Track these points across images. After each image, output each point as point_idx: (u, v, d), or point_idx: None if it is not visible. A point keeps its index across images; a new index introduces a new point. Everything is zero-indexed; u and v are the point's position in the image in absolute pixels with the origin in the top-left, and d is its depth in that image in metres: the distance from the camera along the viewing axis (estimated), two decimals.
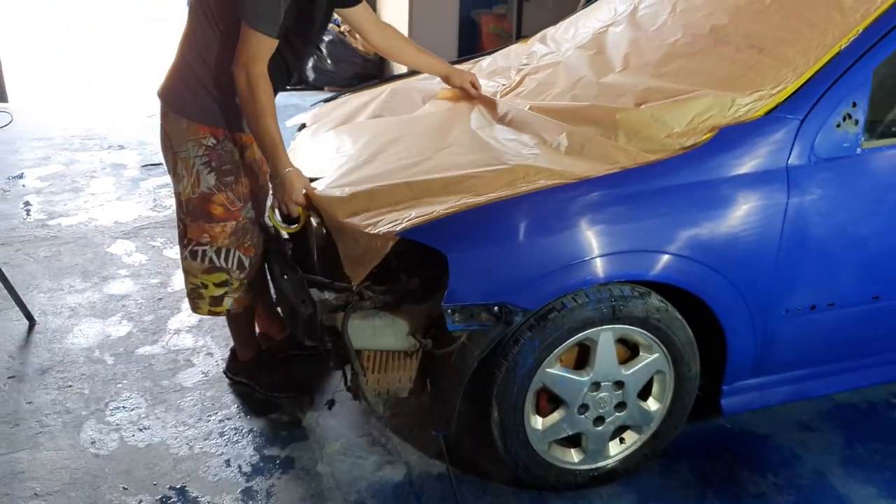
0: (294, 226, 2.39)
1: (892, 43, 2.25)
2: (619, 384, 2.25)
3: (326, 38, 6.85)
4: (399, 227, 2.06)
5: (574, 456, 2.33)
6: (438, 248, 2.03)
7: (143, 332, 3.13)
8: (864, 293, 2.36)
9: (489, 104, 2.73)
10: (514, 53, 3.23)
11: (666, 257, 2.13)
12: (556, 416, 2.25)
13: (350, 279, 2.14)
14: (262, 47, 2.22)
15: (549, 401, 2.25)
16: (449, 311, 2.04)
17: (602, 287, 2.14)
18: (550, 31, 3.30)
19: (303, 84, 7.10)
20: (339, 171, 2.48)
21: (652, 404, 2.33)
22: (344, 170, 2.47)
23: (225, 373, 2.84)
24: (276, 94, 2.42)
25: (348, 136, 2.79)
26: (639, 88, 2.47)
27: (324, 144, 2.79)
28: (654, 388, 2.33)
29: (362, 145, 2.64)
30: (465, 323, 2.07)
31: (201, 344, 3.05)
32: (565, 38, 3.14)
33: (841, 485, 2.41)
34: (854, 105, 2.23)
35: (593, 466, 2.35)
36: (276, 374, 2.79)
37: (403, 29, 6.76)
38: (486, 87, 2.94)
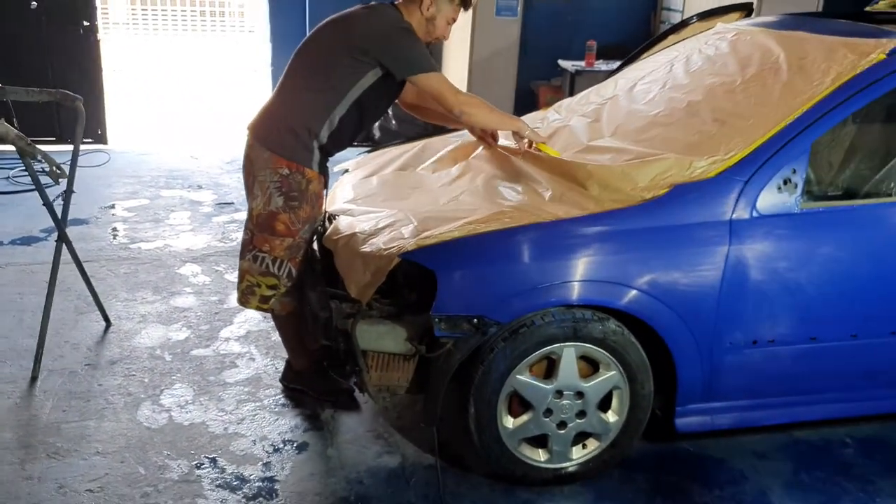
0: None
1: (830, 121, 2.67)
2: (580, 394, 2.65)
3: None
4: (401, 251, 2.55)
5: (541, 455, 2.73)
6: (430, 266, 2.51)
7: (198, 337, 3.67)
8: (802, 334, 2.73)
9: (497, 157, 3.20)
10: (531, 118, 3.72)
11: (620, 289, 2.56)
12: (524, 417, 2.67)
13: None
14: (444, 80, 2.89)
15: (520, 404, 2.67)
16: (436, 319, 2.51)
17: (567, 309, 2.57)
18: (565, 101, 3.80)
19: (369, 141, 7.73)
20: (362, 210, 2.99)
21: (611, 416, 2.73)
22: (366, 210, 2.99)
23: (281, 381, 3.31)
24: (343, 148, 3.01)
25: (378, 182, 3.31)
26: (618, 150, 2.93)
27: (357, 187, 3.31)
28: (613, 402, 2.73)
29: (387, 191, 3.16)
30: (450, 331, 2.53)
31: (246, 351, 3.57)
32: (574, 107, 3.63)
33: (779, 503, 2.74)
34: (794, 171, 2.64)
35: (557, 466, 2.74)
36: (327, 381, 3.26)
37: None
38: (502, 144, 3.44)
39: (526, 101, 7.86)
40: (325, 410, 3.14)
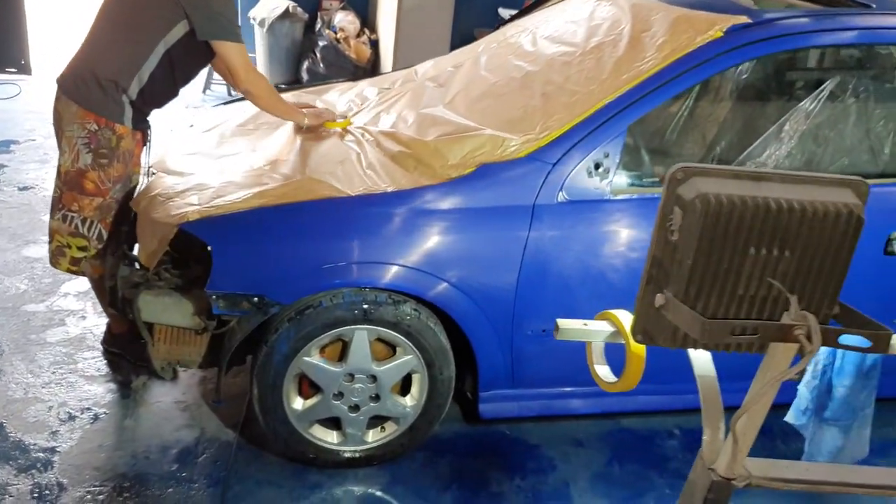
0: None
1: (650, 102, 2.52)
2: (374, 378, 2.55)
3: (321, 43, 7.24)
4: (183, 220, 2.41)
5: (335, 437, 2.64)
6: (205, 240, 2.37)
7: (36, 291, 3.55)
8: None
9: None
10: (387, 79, 3.55)
11: (412, 272, 2.43)
12: (314, 399, 2.57)
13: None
14: (241, 54, 2.74)
15: (312, 386, 2.56)
16: (213, 296, 2.38)
17: (359, 291, 2.44)
18: (430, 62, 3.61)
19: (297, 83, 7.51)
20: (177, 170, 2.84)
21: (408, 400, 2.63)
22: (181, 169, 2.84)
23: (102, 344, 3.21)
24: (160, 105, 2.87)
25: (212, 138, 3.14)
26: (443, 122, 2.77)
27: (190, 143, 3.14)
28: (413, 387, 2.62)
29: (214, 149, 3.00)
30: (229, 309, 2.41)
31: (80, 308, 3.45)
32: (436, 68, 3.44)
33: (578, 496, 2.67)
34: (606, 155, 2.50)
35: (352, 449, 2.64)
36: (145, 347, 3.14)
37: (390, 41, 7.11)
38: (344, 104, 3.27)
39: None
40: (139, 377, 3.04)
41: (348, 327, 2.47)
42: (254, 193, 2.49)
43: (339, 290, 2.44)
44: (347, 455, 2.65)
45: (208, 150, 3.03)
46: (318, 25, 7.41)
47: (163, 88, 2.82)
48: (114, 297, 2.62)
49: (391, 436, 2.67)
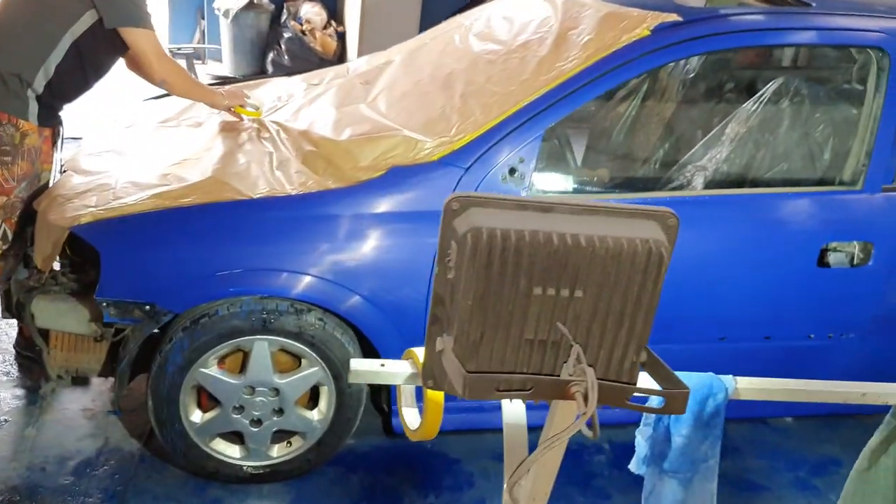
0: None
1: (569, 105, 2.40)
2: (277, 391, 2.43)
3: (286, 35, 7.09)
4: (75, 223, 2.29)
5: (237, 451, 2.52)
6: (94, 244, 2.25)
7: None
8: None
9: (257, 122, 2.91)
10: (317, 75, 3.41)
11: (312, 280, 2.31)
12: (213, 413, 2.44)
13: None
14: (153, 42, 2.63)
15: (211, 398, 2.44)
16: (104, 304, 2.26)
17: (258, 299, 2.32)
18: (364, 58, 3.48)
19: (263, 74, 7.36)
20: (85, 169, 2.71)
21: (316, 414, 2.51)
22: (89, 168, 2.71)
23: (14, 347, 3.08)
24: (70, 100, 2.74)
25: (131, 135, 3.02)
26: (360, 121, 2.65)
27: (107, 140, 3.02)
28: (320, 400, 2.50)
29: (128, 146, 2.87)
30: (121, 317, 2.29)
31: None
32: (368, 63, 3.32)
33: None
34: (521, 160, 2.38)
35: (256, 464, 2.52)
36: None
37: (356, 34, 6.97)
38: (272, 99, 3.14)
39: None
40: (49, 383, 2.90)
41: (247, 337, 2.35)
42: (151, 195, 2.37)
43: (238, 298, 2.32)
44: (250, 470, 2.53)
45: (123, 148, 2.91)
46: (284, 17, 7.26)
47: (72, 82, 2.69)
48: (8, 301, 2.50)
49: (298, 451, 2.55)
